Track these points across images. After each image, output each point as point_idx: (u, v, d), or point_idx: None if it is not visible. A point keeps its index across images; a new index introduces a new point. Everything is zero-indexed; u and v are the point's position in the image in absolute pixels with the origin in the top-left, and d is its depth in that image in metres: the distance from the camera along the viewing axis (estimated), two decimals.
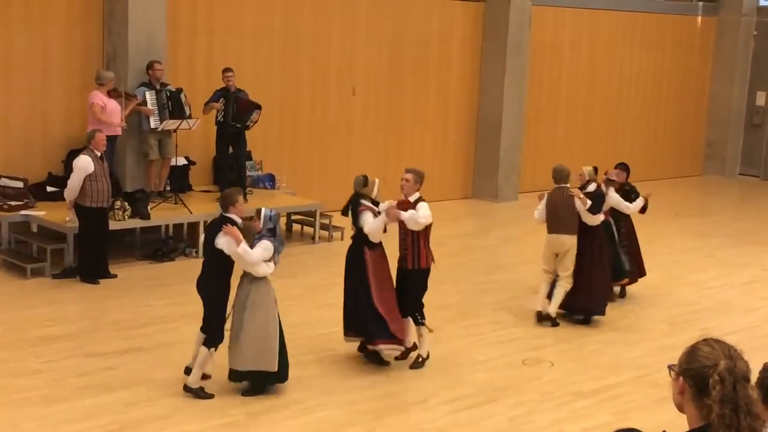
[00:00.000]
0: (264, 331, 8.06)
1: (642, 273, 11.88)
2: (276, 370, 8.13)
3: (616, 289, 11.73)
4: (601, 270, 10.69)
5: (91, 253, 11.40)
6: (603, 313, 10.77)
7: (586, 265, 10.58)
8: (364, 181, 9.11)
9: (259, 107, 13.45)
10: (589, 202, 10.47)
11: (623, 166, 11.71)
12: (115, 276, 11.53)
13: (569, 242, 10.56)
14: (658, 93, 21.14)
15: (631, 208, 11.43)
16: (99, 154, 11.16)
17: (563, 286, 10.60)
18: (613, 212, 11.41)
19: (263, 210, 8.15)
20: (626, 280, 11.69)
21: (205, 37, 14.37)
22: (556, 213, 10.61)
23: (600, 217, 10.65)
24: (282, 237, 8.29)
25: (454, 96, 17.63)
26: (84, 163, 11.06)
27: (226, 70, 13.48)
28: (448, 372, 9.14)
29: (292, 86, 15.43)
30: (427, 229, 9.01)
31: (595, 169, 10.98)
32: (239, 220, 8.06)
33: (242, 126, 13.41)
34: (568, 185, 10.65)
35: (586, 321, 10.78)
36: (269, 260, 8.02)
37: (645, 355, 9.90)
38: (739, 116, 22.03)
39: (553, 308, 10.63)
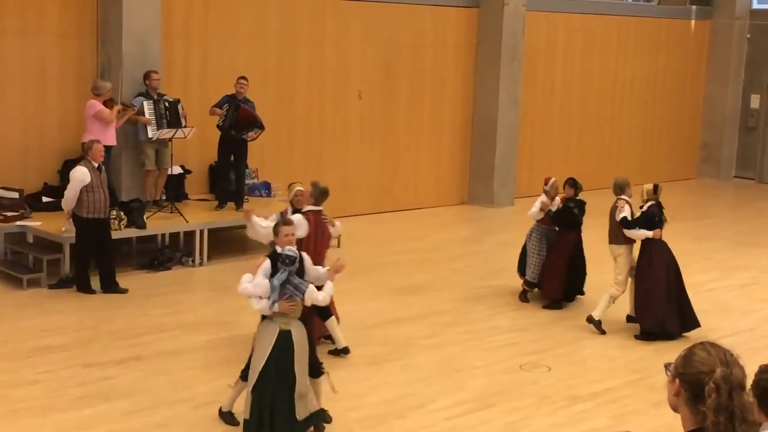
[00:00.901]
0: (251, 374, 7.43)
1: (543, 288, 11.64)
2: (246, 418, 7.26)
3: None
4: (651, 283, 10.56)
5: (86, 263, 11.35)
6: (649, 329, 10.56)
7: (639, 276, 10.73)
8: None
9: (261, 127, 13.40)
10: (623, 214, 10.62)
11: (571, 182, 11.58)
12: (125, 291, 11.36)
13: (615, 251, 10.77)
14: (652, 97, 21.18)
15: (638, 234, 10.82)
16: (96, 165, 11.13)
17: (609, 292, 10.71)
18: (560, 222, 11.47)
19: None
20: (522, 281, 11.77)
21: (200, 45, 14.38)
22: (609, 223, 10.92)
23: (637, 233, 10.62)
24: (288, 283, 7.24)
25: (449, 102, 17.65)
26: (80, 174, 11.03)
27: (241, 78, 13.46)
28: (446, 377, 9.14)
29: (288, 94, 15.43)
30: (303, 240, 8.88)
31: (655, 188, 10.88)
32: (279, 250, 7.43)
33: (236, 134, 13.39)
34: (623, 197, 10.83)
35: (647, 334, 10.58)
36: (268, 299, 7.21)
37: (643, 358, 9.90)
38: (733, 119, 22.06)
39: (596, 312, 10.71)
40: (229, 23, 14.66)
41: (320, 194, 9.26)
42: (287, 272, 7.20)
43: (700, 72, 22.05)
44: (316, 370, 7.69)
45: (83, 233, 11.22)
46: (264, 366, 7.21)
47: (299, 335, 7.34)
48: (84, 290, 11.29)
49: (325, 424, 7.74)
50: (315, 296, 7.37)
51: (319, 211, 9.24)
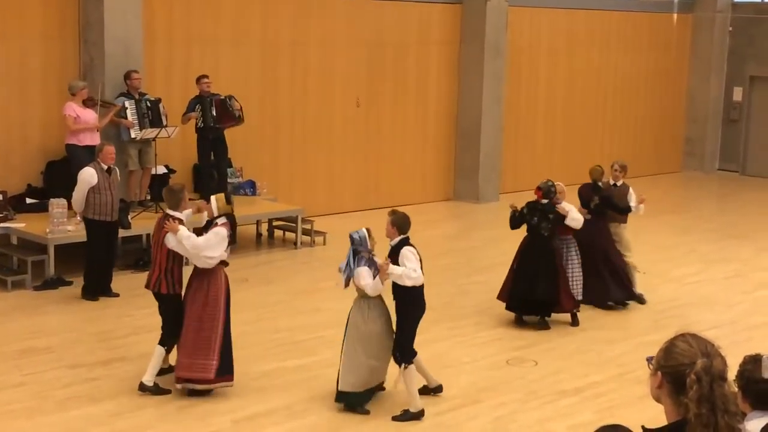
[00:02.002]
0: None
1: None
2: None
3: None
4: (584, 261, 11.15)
5: (97, 267, 11.20)
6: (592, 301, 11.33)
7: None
8: None
9: (233, 97, 13.48)
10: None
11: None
12: (117, 295, 11.28)
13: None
14: (636, 91, 21.24)
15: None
16: (106, 166, 11.04)
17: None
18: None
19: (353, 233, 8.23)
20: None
21: (183, 46, 14.33)
22: None
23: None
24: (350, 262, 8.17)
25: (434, 98, 17.65)
26: (87, 176, 10.93)
27: (203, 76, 13.47)
28: (434, 373, 9.12)
29: (271, 93, 15.40)
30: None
31: (592, 170, 11.48)
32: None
33: (228, 124, 13.47)
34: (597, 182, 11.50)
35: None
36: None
37: (628, 352, 9.94)
38: (716, 112, 22.16)
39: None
40: (212, 24, 14.61)
41: (167, 194, 8.74)
42: (351, 251, 8.07)
43: (683, 65, 22.13)
44: (395, 357, 8.28)
45: (93, 235, 11.11)
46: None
47: (356, 311, 8.21)
48: (88, 297, 11.06)
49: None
50: (359, 281, 8.08)
51: (166, 215, 8.58)
